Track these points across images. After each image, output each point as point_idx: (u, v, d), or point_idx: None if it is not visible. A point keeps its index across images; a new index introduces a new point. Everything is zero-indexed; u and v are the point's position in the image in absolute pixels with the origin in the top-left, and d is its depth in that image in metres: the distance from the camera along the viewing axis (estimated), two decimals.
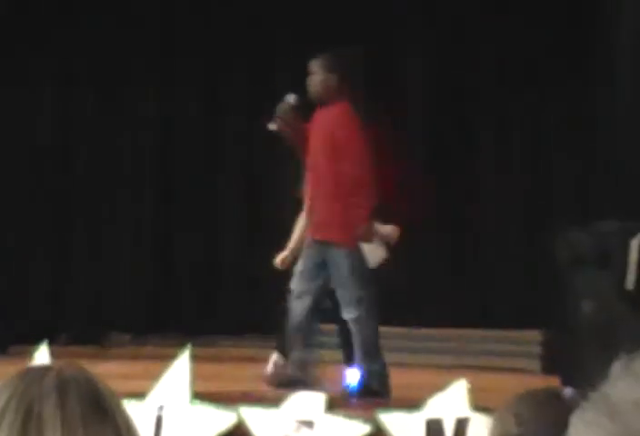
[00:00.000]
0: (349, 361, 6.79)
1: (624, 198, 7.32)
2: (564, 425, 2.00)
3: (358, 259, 6.59)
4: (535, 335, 8.13)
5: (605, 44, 8.16)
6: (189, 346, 5.69)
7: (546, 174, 9.11)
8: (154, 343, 9.05)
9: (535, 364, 7.98)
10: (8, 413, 1.60)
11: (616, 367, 1.59)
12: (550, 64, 9.01)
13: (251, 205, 9.78)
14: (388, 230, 6.85)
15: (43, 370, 1.67)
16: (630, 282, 6.30)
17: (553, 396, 2.47)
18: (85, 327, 9.36)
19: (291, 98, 6.77)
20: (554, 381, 6.51)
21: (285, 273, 9.11)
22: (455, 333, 8.21)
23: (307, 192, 6.84)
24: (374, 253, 6.59)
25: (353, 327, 6.69)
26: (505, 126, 9.36)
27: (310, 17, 9.27)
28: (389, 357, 7.27)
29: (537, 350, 8.07)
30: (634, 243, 6.34)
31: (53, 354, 5.87)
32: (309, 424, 5.36)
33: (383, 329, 7.00)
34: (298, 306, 6.74)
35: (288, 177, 7.51)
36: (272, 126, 6.74)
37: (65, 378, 1.64)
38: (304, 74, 6.78)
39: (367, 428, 5.31)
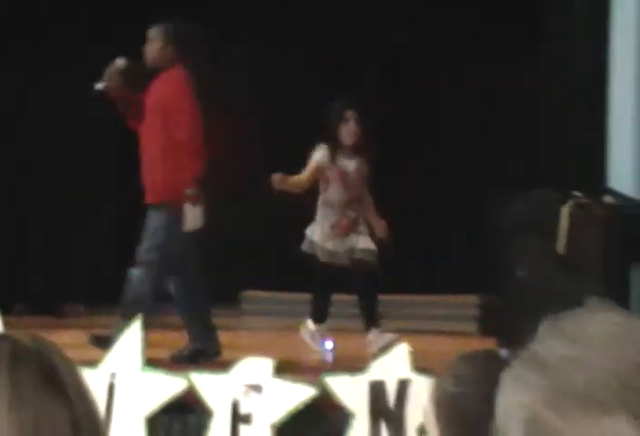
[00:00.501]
0: None
1: (556, 167, 7.37)
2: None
3: (174, 222, 6.51)
4: (473, 299, 8.19)
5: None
6: (140, 316, 5.68)
7: (484, 144, 9.14)
8: (106, 313, 9.01)
9: (473, 327, 8.04)
10: None
11: (544, 326, 1.59)
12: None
13: None
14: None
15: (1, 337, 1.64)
16: (561, 247, 6.35)
17: (491, 357, 2.49)
18: (40, 297, 9.29)
19: (120, 62, 6.65)
20: (491, 343, 6.55)
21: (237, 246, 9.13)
22: (397, 299, 8.24)
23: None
24: (194, 217, 6.55)
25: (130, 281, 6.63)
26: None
27: None
28: (337, 323, 7.31)
29: (475, 313, 8.12)
30: (564, 211, 6.39)
31: (7, 324, 5.84)
32: (257, 388, 5.37)
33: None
34: (137, 275, 6.63)
35: None
36: (98, 86, 6.63)
37: (20, 349, 1.61)
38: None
39: (313, 391, 5.33)
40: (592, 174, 6.73)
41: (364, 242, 6.99)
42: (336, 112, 6.96)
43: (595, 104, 7.00)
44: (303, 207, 7.36)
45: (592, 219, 6.37)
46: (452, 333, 7.80)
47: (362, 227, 7.05)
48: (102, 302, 9.17)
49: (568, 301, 5.37)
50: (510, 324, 6.55)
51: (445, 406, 2.46)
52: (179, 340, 7.39)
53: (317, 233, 7.02)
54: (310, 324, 7.05)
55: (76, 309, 9.35)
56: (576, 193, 6.47)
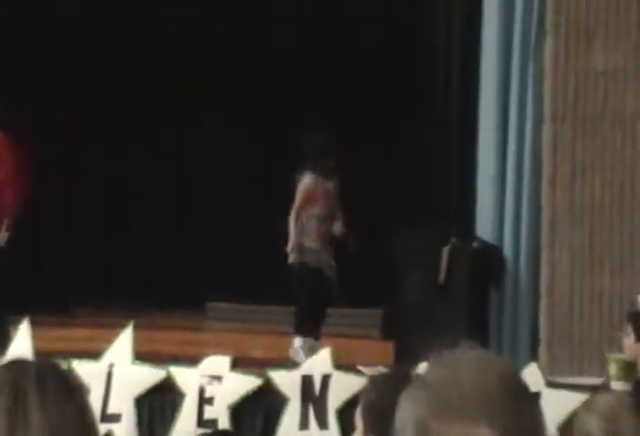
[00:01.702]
0: None
1: (439, 218, 7.34)
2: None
3: None
4: (378, 312, 8.12)
5: None
6: (132, 321, 5.60)
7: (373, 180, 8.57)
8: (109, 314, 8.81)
9: (377, 333, 7.97)
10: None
11: (430, 358, 1.59)
12: None
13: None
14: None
15: (25, 363, 1.62)
16: (442, 278, 6.36)
17: (403, 374, 2.62)
18: (55, 299, 8.95)
19: None
20: (389, 345, 6.55)
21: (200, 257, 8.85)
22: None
23: None
24: None
25: None
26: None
27: None
28: (276, 328, 7.22)
29: (378, 322, 8.05)
30: (444, 251, 6.40)
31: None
32: (218, 378, 5.31)
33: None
34: None
35: None
36: None
37: (43, 370, 1.59)
38: None
39: (259, 381, 5.28)
40: (464, 225, 6.75)
41: (330, 260, 6.77)
42: (317, 144, 6.71)
43: (465, 172, 6.97)
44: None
45: (463, 258, 6.40)
46: (363, 337, 7.72)
47: (329, 243, 6.79)
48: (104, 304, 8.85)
49: (445, 317, 5.32)
50: (403, 333, 6.56)
51: (368, 409, 2.54)
52: (161, 337, 7.27)
53: (307, 242, 6.71)
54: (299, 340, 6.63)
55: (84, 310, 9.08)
56: (453, 239, 6.49)
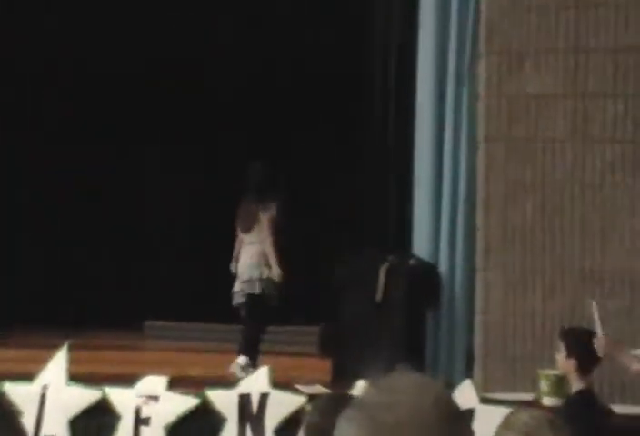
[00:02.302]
0: None
1: (377, 237, 7.40)
2: None
3: None
4: (315, 329, 8.14)
5: None
6: (67, 342, 5.53)
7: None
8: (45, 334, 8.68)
9: (314, 350, 7.99)
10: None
11: (368, 382, 1.64)
12: None
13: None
14: None
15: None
16: (379, 296, 6.40)
17: (343, 398, 2.68)
18: None
19: None
20: (327, 363, 6.57)
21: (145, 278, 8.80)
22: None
23: None
24: None
25: None
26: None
27: None
28: (214, 346, 7.18)
29: (315, 339, 8.07)
30: (382, 269, 6.45)
31: None
32: (155, 398, 5.27)
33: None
34: None
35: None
36: None
37: None
38: None
39: (197, 401, 5.26)
40: (402, 243, 6.82)
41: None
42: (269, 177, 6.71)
43: (402, 192, 7.04)
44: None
45: (400, 276, 6.45)
46: (300, 354, 7.73)
47: None
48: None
49: (382, 334, 5.37)
50: (340, 350, 6.58)
51: (309, 430, 2.59)
52: (95, 356, 7.20)
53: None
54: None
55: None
56: (391, 258, 6.54)
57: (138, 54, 8.92)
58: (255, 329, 6.65)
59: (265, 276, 6.63)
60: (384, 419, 1.47)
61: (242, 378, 5.75)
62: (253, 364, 6.40)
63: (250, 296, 6.65)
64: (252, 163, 6.90)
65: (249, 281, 6.64)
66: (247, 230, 6.76)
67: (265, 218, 6.64)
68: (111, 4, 8.85)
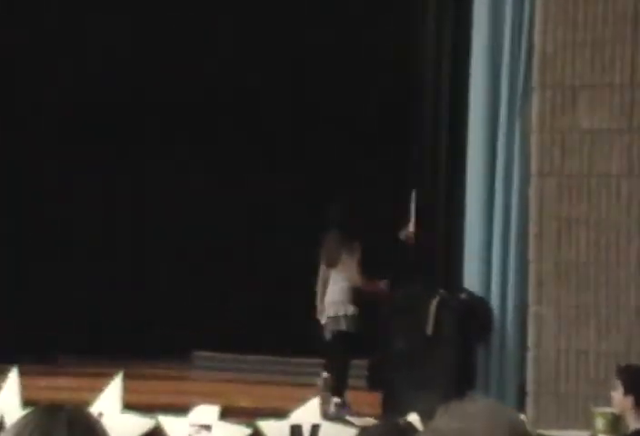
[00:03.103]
0: None
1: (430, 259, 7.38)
2: None
3: None
4: (363, 363, 8.11)
5: None
6: (122, 371, 5.60)
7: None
8: (94, 364, 8.75)
9: (363, 383, 7.97)
10: None
11: (441, 408, 1.65)
12: None
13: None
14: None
15: (57, 409, 1.66)
16: (429, 329, 6.41)
17: (394, 427, 2.66)
18: (41, 348, 8.91)
19: None
20: (377, 396, 6.57)
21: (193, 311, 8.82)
22: (312, 362, 8.13)
23: None
24: None
25: None
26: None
27: None
28: (262, 377, 7.21)
29: (365, 372, 8.04)
30: (433, 302, 6.46)
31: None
32: (207, 428, 5.32)
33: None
34: None
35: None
36: None
37: (73, 417, 1.62)
38: None
39: (249, 431, 5.29)
40: (452, 277, 6.82)
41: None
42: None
43: (453, 225, 7.04)
44: None
45: (451, 310, 6.46)
46: (349, 388, 7.70)
47: None
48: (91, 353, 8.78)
49: (434, 369, 5.38)
50: (390, 383, 6.58)
51: None
52: (150, 387, 7.24)
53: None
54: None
55: (70, 358, 9.00)
56: (441, 291, 6.55)
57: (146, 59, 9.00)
58: (340, 366, 6.79)
59: (349, 313, 6.73)
60: None
61: (341, 417, 5.89)
62: (343, 401, 6.59)
63: (335, 333, 6.77)
64: (334, 203, 7.03)
65: (335, 317, 6.75)
66: (331, 265, 6.91)
67: (352, 259, 6.80)
68: (112, 6, 8.93)
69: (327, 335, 6.85)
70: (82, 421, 1.65)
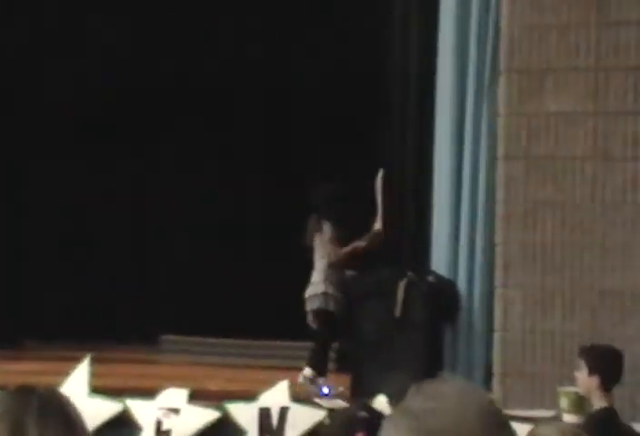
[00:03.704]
0: None
1: (398, 243, 7.42)
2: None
3: None
4: (335, 345, 8.12)
5: None
6: (89, 355, 5.58)
7: None
8: (61, 347, 8.71)
9: (333, 365, 8.00)
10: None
11: (412, 388, 1.66)
12: None
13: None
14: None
15: (28, 392, 1.64)
16: (398, 311, 6.44)
17: (351, 414, 2.64)
18: (5, 332, 8.80)
19: None
20: (346, 378, 6.61)
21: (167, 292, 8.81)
22: (280, 344, 8.15)
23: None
24: None
25: None
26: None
27: None
28: (230, 361, 7.20)
29: (334, 355, 8.07)
30: (400, 285, 6.49)
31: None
32: (176, 411, 5.32)
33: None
34: None
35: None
36: None
37: (45, 400, 1.61)
38: None
39: (217, 414, 5.30)
40: (420, 260, 6.86)
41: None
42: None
43: (420, 208, 7.08)
44: None
45: (419, 292, 6.50)
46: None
47: None
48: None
49: (403, 352, 5.41)
50: (359, 365, 6.62)
51: None
52: (118, 370, 7.21)
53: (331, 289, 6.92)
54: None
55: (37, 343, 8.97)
56: (409, 273, 6.59)
57: (155, 65, 8.97)
58: (319, 342, 6.80)
59: (329, 292, 6.76)
60: (429, 425, 1.50)
61: (311, 391, 5.87)
62: (318, 376, 6.56)
63: (314, 313, 6.79)
64: (315, 189, 7.06)
65: (312, 296, 6.80)
66: (307, 246, 6.97)
67: (322, 237, 6.83)
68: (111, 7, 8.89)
69: (308, 318, 6.86)
70: (54, 402, 1.64)
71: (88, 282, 9.14)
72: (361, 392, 6.23)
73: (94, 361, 5.78)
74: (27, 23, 8.81)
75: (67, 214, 9.14)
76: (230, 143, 9.08)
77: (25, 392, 1.67)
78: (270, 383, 5.42)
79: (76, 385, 5.42)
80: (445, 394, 1.55)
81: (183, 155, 9.11)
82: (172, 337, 8.81)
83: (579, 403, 5.19)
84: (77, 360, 5.73)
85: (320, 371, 6.65)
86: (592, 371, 4.67)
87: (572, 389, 5.20)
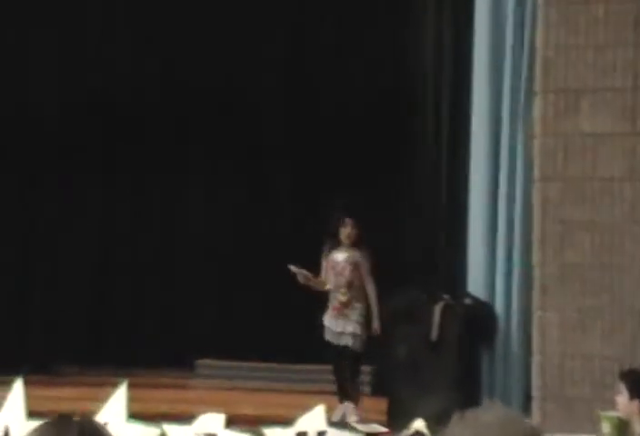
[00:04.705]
0: None
1: (430, 276, 7.41)
2: None
3: None
4: (368, 369, 8.11)
5: None
6: (126, 380, 5.58)
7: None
8: (96, 373, 8.75)
9: (368, 389, 7.96)
10: None
11: (455, 416, 1.66)
12: None
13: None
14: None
15: (67, 420, 1.67)
16: (434, 335, 6.41)
17: None
18: (40, 358, 8.89)
19: None
20: (382, 402, 6.58)
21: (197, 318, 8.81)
22: (308, 368, 8.13)
23: None
24: None
25: None
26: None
27: None
28: (264, 385, 7.18)
29: (369, 379, 8.04)
30: (437, 308, 6.46)
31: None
32: None
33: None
34: None
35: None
36: None
37: (83, 428, 1.63)
38: None
39: None
40: (456, 282, 6.83)
41: (349, 327, 6.62)
42: (337, 217, 6.72)
43: (456, 230, 7.06)
44: None
45: (455, 315, 6.47)
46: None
47: (351, 311, 6.63)
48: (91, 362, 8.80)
49: (437, 374, 5.34)
50: (395, 389, 6.59)
51: None
52: (153, 395, 7.23)
53: (326, 316, 6.73)
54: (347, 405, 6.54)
55: (71, 368, 9.01)
56: (445, 296, 6.56)
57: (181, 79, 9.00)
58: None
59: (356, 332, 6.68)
60: None
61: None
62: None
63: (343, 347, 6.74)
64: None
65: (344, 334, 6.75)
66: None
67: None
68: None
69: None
70: (92, 431, 1.66)
71: (123, 306, 9.19)
72: (398, 417, 6.19)
73: (130, 387, 5.79)
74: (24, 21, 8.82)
75: (95, 239, 9.19)
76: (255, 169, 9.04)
77: (64, 421, 1.69)
78: (305, 408, 5.40)
79: (114, 411, 5.42)
80: (487, 423, 1.55)
81: (207, 176, 9.12)
82: (207, 361, 8.83)
83: (621, 428, 5.13)
84: (113, 385, 5.74)
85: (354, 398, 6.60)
86: (633, 396, 4.63)
87: (613, 413, 5.14)
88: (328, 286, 6.67)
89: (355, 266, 6.65)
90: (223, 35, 8.92)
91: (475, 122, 6.69)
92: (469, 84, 6.72)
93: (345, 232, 6.64)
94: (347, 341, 6.58)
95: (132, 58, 9.04)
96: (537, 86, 6.38)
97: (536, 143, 6.36)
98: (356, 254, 6.66)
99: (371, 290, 6.64)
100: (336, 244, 6.67)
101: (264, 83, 8.94)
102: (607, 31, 6.23)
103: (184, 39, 8.94)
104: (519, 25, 6.53)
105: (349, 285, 6.63)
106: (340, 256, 6.68)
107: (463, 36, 6.87)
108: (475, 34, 6.67)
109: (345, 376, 6.61)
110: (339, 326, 6.61)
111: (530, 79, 6.45)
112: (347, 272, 6.62)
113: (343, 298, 6.62)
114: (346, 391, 6.61)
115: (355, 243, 6.63)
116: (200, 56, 8.92)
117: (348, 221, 6.64)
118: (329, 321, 6.64)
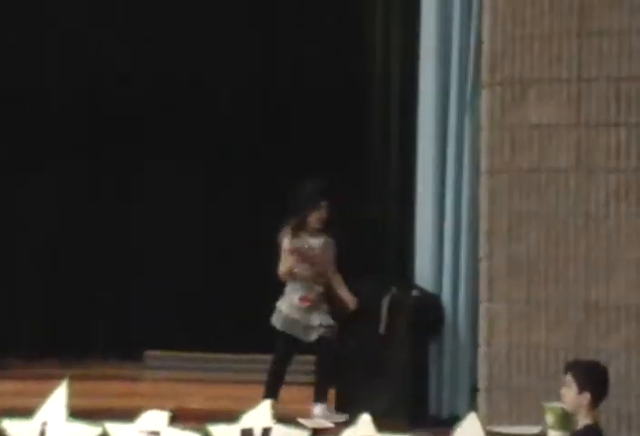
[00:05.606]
0: None
1: (381, 258, 7.38)
2: None
3: None
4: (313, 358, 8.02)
5: None
6: (67, 376, 5.50)
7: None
8: (40, 365, 8.62)
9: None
10: None
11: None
12: None
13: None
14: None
15: None
16: (382, 328, 6.39)
17: None
18: None
19: None
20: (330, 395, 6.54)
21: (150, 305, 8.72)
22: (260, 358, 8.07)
23: None
24: None
25: None
26: None
27: None
28: (216, 376, 7.12)
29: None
30: (384, 300, 6.44)
31: None
32: (156, 434, 5.25)
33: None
34: None
35: None
36: None
37: None
38: None
39: None
40: (404, 274, 6.81)
41: (325, 320, 6.29)
42: (311, 199, 6.20)
43: (403, 222, 7.03)
44: None
45: (403, 308, 6.45)
46: (301, 384, 7.64)
47: (324, 304, 6.32)
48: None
49: (385, 366, 5.35)
50: (343, 382, 6.56)
51: None
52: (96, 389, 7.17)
53: (285, 305, 6.26)
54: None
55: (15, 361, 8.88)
56: (393, 289, 6.54)
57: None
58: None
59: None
60: None
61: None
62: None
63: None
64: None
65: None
66: None
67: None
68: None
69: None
70: None
71: (71, 296, 9.06)
72: (345, 410, 6.16)
73: (75, 380, 5.69)
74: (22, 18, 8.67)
75: (39, 228, 9.03)
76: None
77: None
78: (257, 399, 5.36)
79: (54, 409, 5.33)
80: None
81: (173, 169, 9.00)
82: (156, 353, 8.74)
83: (565, 420, 5.14)
84: (60, 378, 5.64)
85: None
86: (582, 389, 4.62)
87: (558, 405, 5.14)
88: (295, 270, 6.24)
89: (325, 252, 6.30)
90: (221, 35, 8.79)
91: (421, 114, 6.64)
92: (416, 78, 6.68)
93: (319, 215, 6.21)
94: (323, 333, 6.23)
95: (131, 56, 8.86)
96: (484, 78, 6.35)
97: (483, 136, 6.33)
98: (328, 240, 6.31)
99: (339, 276, 6.36)
100: (301, 228, 6.22)
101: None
102: (553, 21, 6.21)
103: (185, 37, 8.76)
104: (465, 18, 6.49)
105: (324, 274, 6.32)
106: (314, 242, 6.25)
107: (409, 30, 6.82)
108: (422, 28, 6.62)
109: (285, 370, 6.35)
110: (314, 320, 6.24)
111: (477, 71, 6.42)
112: (326, 259, 6.26)
113: (321, 289, 6.29)
114: (278, 388, 6.28)
115: (325, 228, 6.28)
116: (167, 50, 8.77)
117: (324, 204, 6.22)
118: (296, 313, 6.24)
